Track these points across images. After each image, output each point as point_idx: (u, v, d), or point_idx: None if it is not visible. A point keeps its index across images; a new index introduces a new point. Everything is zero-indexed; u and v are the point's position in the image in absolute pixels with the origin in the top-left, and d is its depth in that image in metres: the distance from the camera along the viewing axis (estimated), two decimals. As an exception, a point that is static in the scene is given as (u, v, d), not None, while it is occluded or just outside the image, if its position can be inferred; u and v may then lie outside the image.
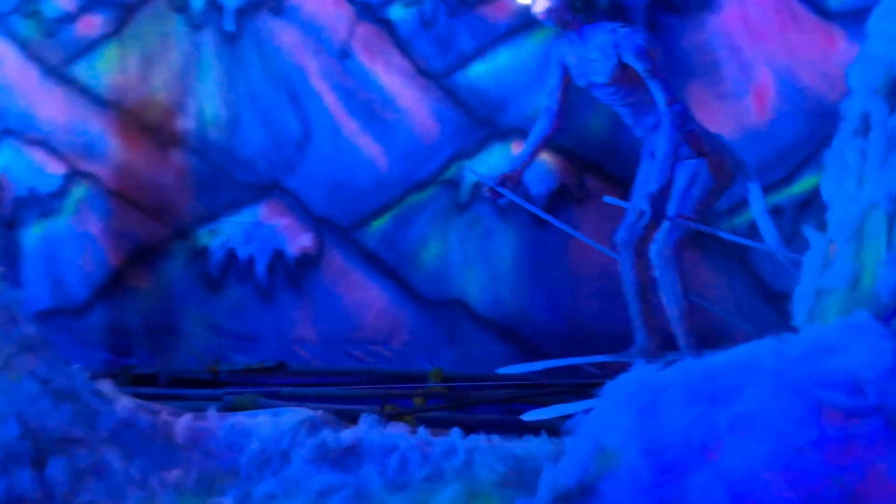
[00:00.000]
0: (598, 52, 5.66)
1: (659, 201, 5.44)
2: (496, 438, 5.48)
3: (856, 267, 3.84)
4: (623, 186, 7.98)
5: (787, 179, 7.57)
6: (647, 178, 6.05)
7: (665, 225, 5.87)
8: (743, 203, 6.73)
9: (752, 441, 3.00)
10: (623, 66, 5.61)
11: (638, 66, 5.53)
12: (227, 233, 8.81)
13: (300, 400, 6.95)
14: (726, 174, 5.80)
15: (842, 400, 3.04)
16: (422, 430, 5.51)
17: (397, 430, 5.46)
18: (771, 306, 7.78)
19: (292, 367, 8.65)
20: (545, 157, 8.32)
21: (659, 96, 5.52)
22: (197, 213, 8.93)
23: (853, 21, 7.51)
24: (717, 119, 7.14)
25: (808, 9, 7.52)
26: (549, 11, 5.71)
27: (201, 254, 9.03)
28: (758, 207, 6.39)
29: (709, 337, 7.15)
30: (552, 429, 5.44)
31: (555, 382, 7.42)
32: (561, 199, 8.20)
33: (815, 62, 7.52)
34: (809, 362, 3.19)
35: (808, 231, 4.20)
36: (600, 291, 8.21)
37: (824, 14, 7.46)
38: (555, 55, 6.12)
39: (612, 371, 5.98)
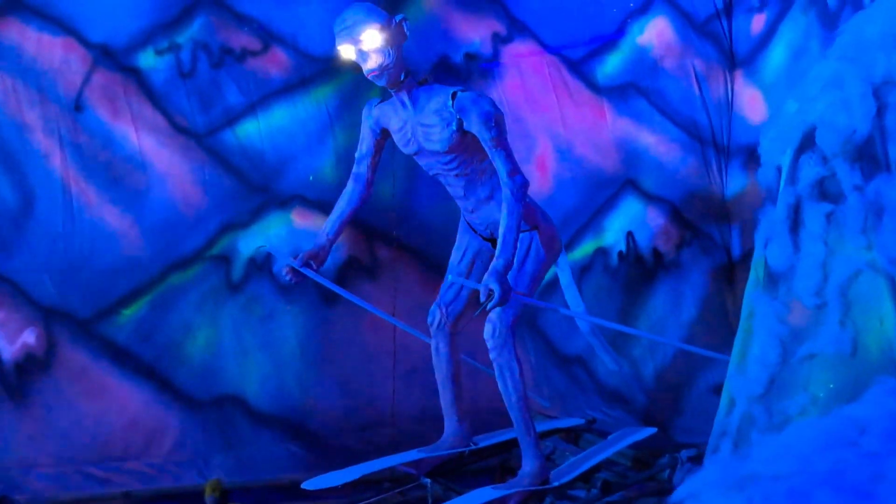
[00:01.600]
0: (436, 117, 4.36)
1: (505, 278, 4.43)
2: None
3: (848, 333, 3.56)
4: (414, 255, 6.51)
5: (569, 245, 6.79)
6: (470, 254, 4.97)
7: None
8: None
9: None
10: (463, 134, 4.37)
11: (484, 134, 4.29)
12: (-89, 334, 5.75)
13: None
14: (555, 246, 4.91)
15: None
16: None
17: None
18: (561, 369, 6.89)
19: (20, 502, 5.76)
20: (331, 228, 6.62)
21: (501, 167, 4.30)
22: None
23: (619, 95, 7.07)
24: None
25: (581, 83, 6.62)
26: (382, 69, 4.30)
27: None
28: (565, 277, 5.62)
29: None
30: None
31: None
32: (351, 270, 6.53)
33: (588, 133, 6.79)
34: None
35: (758, 298, 3.78)
36: (397, 372, 6.69)
37: (594, 88, 6.52)
38: (366, 119, 4.65)
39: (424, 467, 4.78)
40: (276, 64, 5.89)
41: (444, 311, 4.71)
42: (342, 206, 4.68)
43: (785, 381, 3.67)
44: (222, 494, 5.19)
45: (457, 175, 4.44)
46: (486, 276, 4.21)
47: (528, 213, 4.39)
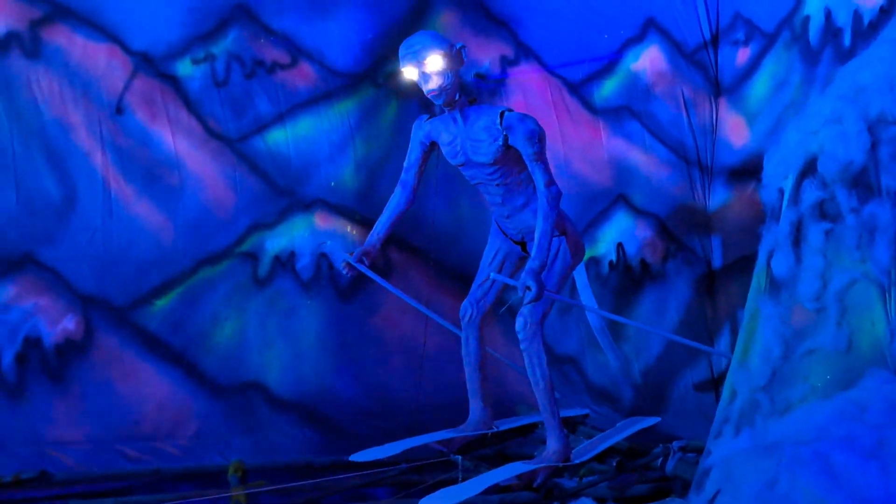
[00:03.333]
0: (484, 133, 4.56)
1: (540, 277, 4.68)
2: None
3: (844, 333, 3.84)
4: (423, 258, 6.28)
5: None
6: (500, 256, 5.17)
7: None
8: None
9: None
10: (507, 148, 4.58)
11: (527, 149, 4.52)
12: (-41, 317, 5.69)
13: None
14: (580, 251, 5.16)
15: None
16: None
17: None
18: (553, 367, 6.93)
19: (57, 476, 5.75)
20: (349, 230, 6.71)
21: (539, 179, 4.53)
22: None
23: (614, 117, 7.17)
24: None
25: (580, 104, 6.64)
26: (442, 90, 4.48)
27: (-78, 344, 5.66)
28: (581, 280, 5.79)
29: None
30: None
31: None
32: (367, 271, 6.51)
33: (585, 150, 6.87)
34: None
35: (763, 303, 4.06)
36: (407, 365, 6.74)
37: (592, 109, 6.61)
38: (416, 132, 4.83)
39: (454, 445, 4.92)
40: (303, 77, 5.93)
41: (475, 307, 4.85)
42: (390, 209, 4.81)
43: (787, 373, 3.91)
44: (244, 474, 5.21)
45: (497, 185, 4.63)
46: (523, 274, 4.40)
47: (558, 221, 4.59)
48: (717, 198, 6.58)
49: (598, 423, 5.71)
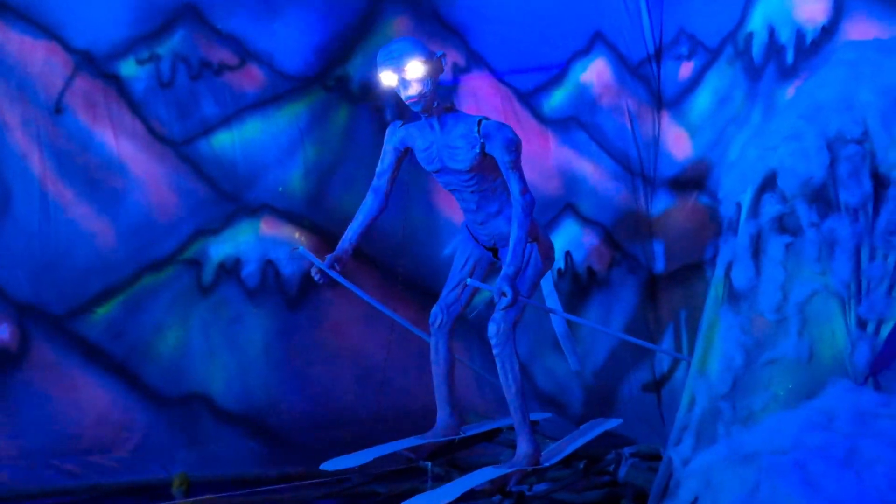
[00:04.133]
0: (461, 140, 4.47)
1: (515, 283, 4.61)
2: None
3: (805, 343, 3.86)
4: (376, 266, 6.09)
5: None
6: (471, 262, 5.05)
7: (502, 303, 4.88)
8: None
9: None
10: (484, 156, 4.49)
11: (504, 157, 4.43)
12: None
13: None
14: (550, 258, 5.08)
15: None
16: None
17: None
18: None
19: None
20: (296, 236, 6.35)
21: (515, 186, 4.46)
22: None
23: (562, 127, 6.99)
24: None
25: (529, 114, 6.43)
26: (421, 96, 4.37)
27: None
28: (548, 286, 5.69)
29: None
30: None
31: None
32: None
33: (534, 160, 6.70)
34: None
35: (723, 313, 4.02)
36: (355, 374, 6.43)
37: (541, 119, 6.44)
38: (390, 138, 4.71)
39: (423, 452, 4.74)
40: (251, 79, 5.63)
41: (445, 312, 4.74)
42: (362, 215, 4.68)
43: (748, 381, 3.92)
44: (188, 487, 4.89)
45: (472, 191, 4.53)
46: (498, 280, 4.31)
47: (531, 228, 4.50)
48: (660, 207, 6.47)
49: (543, 429, 5.54)
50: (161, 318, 5.37)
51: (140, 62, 5.38)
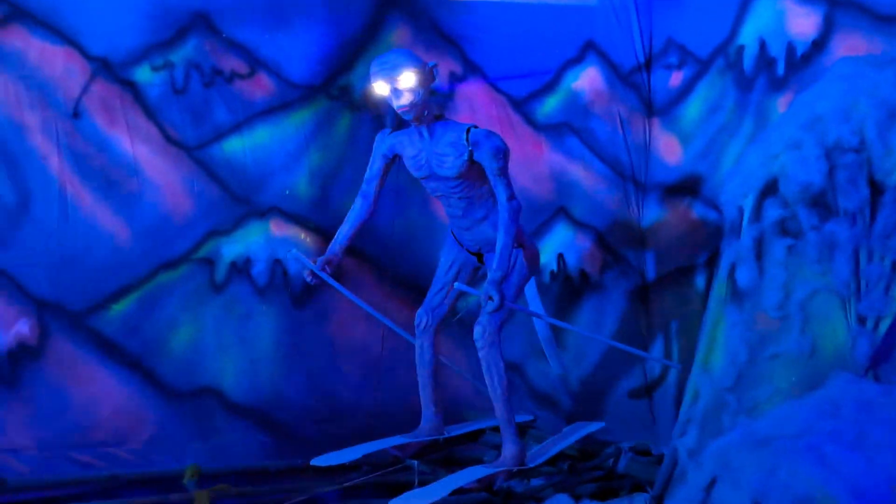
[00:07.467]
0: (450, 148, 4.53)
1: (501, 287, 4.70)
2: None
3: (807, 338, 4.02)
4: (375, 266, 6.17)
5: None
6: (456, 266, 5.16)
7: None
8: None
9: None
10: (472, 163, 4.55)
11: (492, 164, 4.48)
12: None
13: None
14: (535, 263, 5.12)
15: None
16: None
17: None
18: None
19: (10, 483, 5.37)
20: (302, 237, 6.49)
21: (502, 193, 4.51)
22: None
23: (555, 133, 7.14)
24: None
25: (523, 120, 6.56)
26: (412, 106, 4.43)
27: None
28: (531, 290, 5.81)
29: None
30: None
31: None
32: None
33: (527, 164, 6.83)
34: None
35: (728, 311, 4.15)
36: (358, 370, 6.56)
37: (534, 125, 6.57)
38: (379, 145, 4.77)
39: (409, 450, 4.85)
40: (260, 87, 5.76)
41: (430, 315, 4.80)
42: (351, 219, 4.74)
43: (753, 375, 4.06)
44: (200, 479, 5.01)
45: (459, 198, 4.58)
46: (485, 284, 4.37)
47: (517, 234, 4.55)
48: (651, 213, 6.62)
49: (542, 427, 5.68)
50: (175, 314, 5.48)
51: (155, 69, 5.49)
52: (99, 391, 5.26)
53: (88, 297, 5.26)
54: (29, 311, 5.15)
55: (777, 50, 5.63)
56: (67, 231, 5.22)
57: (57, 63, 5.26)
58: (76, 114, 5.27)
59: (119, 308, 5.31)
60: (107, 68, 5.36)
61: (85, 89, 5.29)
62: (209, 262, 5.55)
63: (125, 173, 5.39)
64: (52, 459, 5.08)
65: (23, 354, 5.12)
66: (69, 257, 5.23)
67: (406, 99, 4.37)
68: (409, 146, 4.60)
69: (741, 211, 4.21)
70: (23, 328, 5.08)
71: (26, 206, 5.16)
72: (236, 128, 5.67)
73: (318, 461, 4.45)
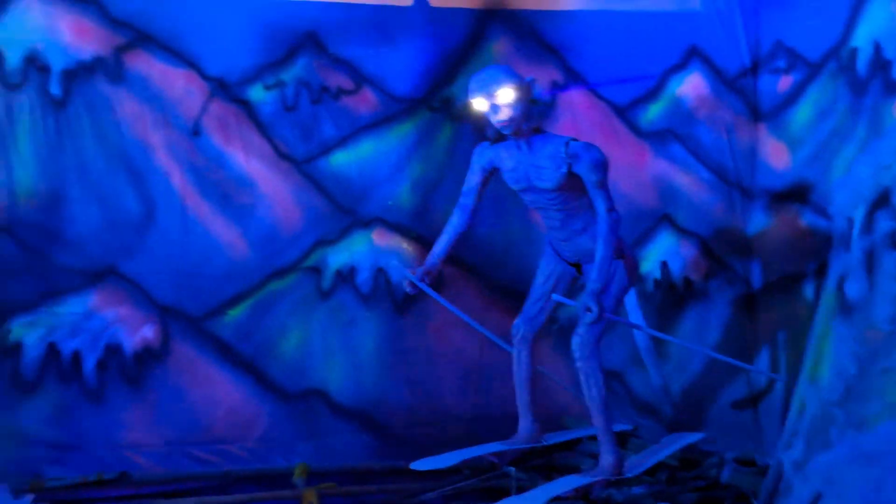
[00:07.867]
0: (549, 161, 4.58)
1: (600, 299, 4.71)
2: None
3: None
4: (476, 275, 6.22)
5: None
6: (554, 277, 5.14)
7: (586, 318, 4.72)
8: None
9: None
10: (571, 175, 4.59)
11: (591, 176, 4.52)
12: (47, 325, 5.64)
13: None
14: (635, 274, 4.94)
15: None
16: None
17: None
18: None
19: (135, 477, 5.85)
20: (404, 246, 6.75)
21: (601, 205, 4.54)
22: (7, 302, 5.85)
23: (658, 140, 7.11)
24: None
25: (626, 127, 6.59)
26: (511, 120, 4.50)
27: (12, 351, 5.69)
28: (631, 301, 5.84)
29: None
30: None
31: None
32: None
33: (631, 172, 6.82)
34: None
35: (836, 325, 4.08)
36: (458, 376, 6.75)
37: (637, 132, 6.57)
38: (478, 158, 4.84)
39: (506, 457, 4.88)
40: (365, 102, 6.00)
41: (527, 324, 4.91)
42: (449, 231, 4.85)
43: (862, 389, 3.96)
44: (308, 477, 5.28)
45: (557, 209, 4.65)
46: (584, 296, 4.45)
47: (617, 245, 4.59)
48: (758, 220, 6.55)
49: (644, 436, 5.71)
50: (285, 320, 5.78)
51: (267, 88, 5.79)
52: (215, 391, 5.62)
53: (207, 304, 5.61)
54: (153, 316, 5.55)
55: (893, 53, 5.49)
56: (188, 242, 5.58)
57: (177, 84, 5.62)
58: (196, 132, 5.62)
59: (234, 314, 5.65)
60: (223, 88, 5.70)
61: (203, 109, 5.64)
62: (316, 271, 5.83)
63: (240, 188, 5.72)
64: (172, 455, 5.45)
65: (147, 357, 5.51)
66: (190, 267, 5.59)
67: (504, 114, 4.48)
68: (508, 159, 4.69)
69: (851, 222, 4.14)
70: (148, 332, 5.48)
71: (152, 219, 5.55)
72: (342, 142, 5.93)
73: (418, 465, 4.64)
